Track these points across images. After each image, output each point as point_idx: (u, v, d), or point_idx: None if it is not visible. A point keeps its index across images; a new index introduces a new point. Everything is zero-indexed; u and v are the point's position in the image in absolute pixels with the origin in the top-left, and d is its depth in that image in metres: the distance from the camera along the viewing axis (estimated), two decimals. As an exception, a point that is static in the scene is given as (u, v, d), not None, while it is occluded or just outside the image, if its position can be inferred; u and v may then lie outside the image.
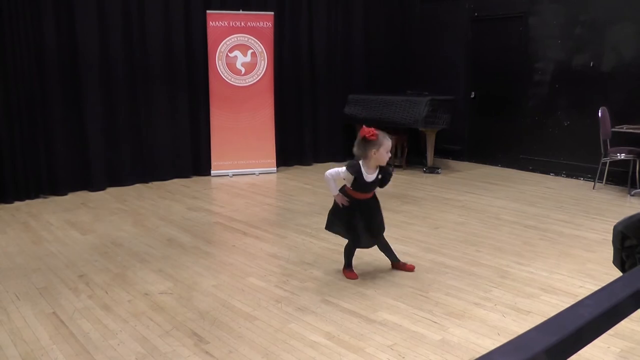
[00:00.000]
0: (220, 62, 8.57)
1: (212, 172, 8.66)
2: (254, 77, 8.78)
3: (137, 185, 7.95)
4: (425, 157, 9.13)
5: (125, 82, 7.86)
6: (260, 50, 8.75)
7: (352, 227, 4.38)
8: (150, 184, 8.04)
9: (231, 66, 8.64)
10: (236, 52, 8.67)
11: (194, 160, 8.64)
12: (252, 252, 5.14)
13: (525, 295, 4.09)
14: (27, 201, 7.11)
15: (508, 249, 5.17)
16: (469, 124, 9.87)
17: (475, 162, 9.78)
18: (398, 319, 3.71)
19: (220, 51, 8.56)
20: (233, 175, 8.68)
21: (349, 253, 4.54)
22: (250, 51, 8.72)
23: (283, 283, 4.37)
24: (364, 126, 4.33)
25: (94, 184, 7.65)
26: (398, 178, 8.38)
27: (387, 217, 6.16)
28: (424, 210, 6.57)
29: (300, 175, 8.80)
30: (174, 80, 8.30)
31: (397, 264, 4.62)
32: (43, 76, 7.18)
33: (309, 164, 9.63)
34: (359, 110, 9.50)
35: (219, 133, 8.65)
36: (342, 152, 9.77)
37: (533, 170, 8.96)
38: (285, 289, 4.25)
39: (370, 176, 4.27)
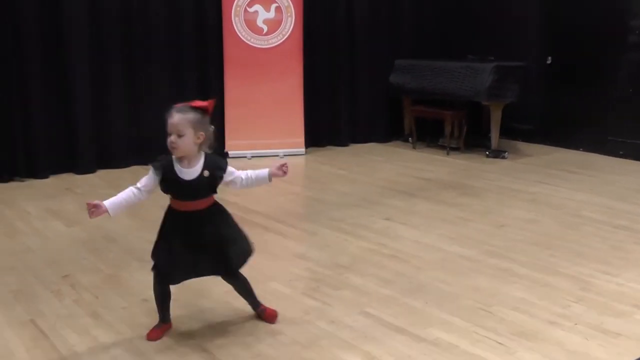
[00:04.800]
0: (237, 18, 8.56)
1: (226, 153, 8.68)
2: (279, 38, 8.76)
3: (134, 168, 7.96)
4: (489, 138, 9.04)
5: (120, 43, 7.89)
6: (286, 4, 8.72)
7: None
8: (149, 166, 8.04)
9: (251, 24, 8.63)
10: (257, 7, 8.66)
11: (203, 138, 8.62)
12: (274, 252, 5.14)
13: (613, 313, 4.02)
14: (-1, 185, 7.22)
15: (591, 254, 5.09)
16: (543, 97, 9.73)
17: (550, 144, 9.64)
18: (454, 338, 3.67)
19: (237, 5, 8.55)
20: (252, 157, 8.69)
21: (158, 297, 3.84)
22: (274, 5, 8.71)
23: (312, 290, 4.36)
24: None
25: (81, 166, 7.71)
26: (454, 163, 8.32)
27: (440, 210, 6.23)
28: (485, 204, 6.51)
29: (334, 159, 8.78)
30: (180, 42, 8.32)
31: (258, 310, 3.98)
32: (19, 35, 7.25)
33: (345, 145, 9.59)
34: (407, 79, 9.42)
35: (234, 106, 8.66)
36: (385, 131, 9.72)
37: (624, 156, 8.81)
38: (316, 297, 4.24)
39: (186, 170, 3.59)
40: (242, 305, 4.11)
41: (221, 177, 3.66)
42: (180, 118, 3.48)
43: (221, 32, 8.58)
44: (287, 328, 3.79)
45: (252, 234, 5.49)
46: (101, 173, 7.75)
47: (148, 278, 4.24)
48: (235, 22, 8.56)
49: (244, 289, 3.91)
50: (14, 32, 7.22)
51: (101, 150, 7.85)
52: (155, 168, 3.62)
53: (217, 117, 8.57)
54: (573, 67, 9.37)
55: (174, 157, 3.58)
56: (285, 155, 8.75)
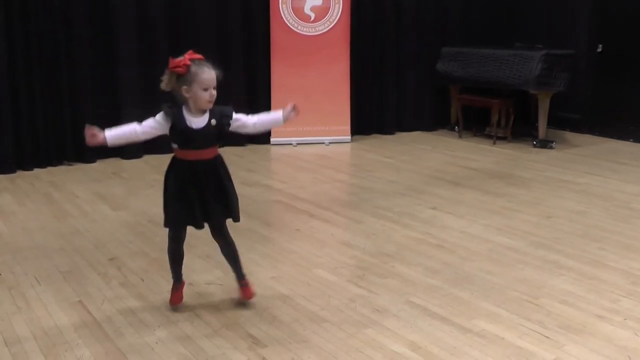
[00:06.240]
0: (284, 5, 8.54)
1: (271, 139, 8.69)
2: (326, 25, 8.72)
3: (180, 153, 8.03)
4: (536, 128, 8.91)
5: (167, 30, 7.94)
6: (334, -10, 8.70)
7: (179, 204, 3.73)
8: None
9: (298, 11, 8.60)
10: (305, -6, 8.66)
11: (249, 124, 8.65)
12: (320, 239, 5.14)
13: (665, 309, 3.94)
14: (49, 168, 7.32)
15: (642, 247, 5.01)
16: (592, 86, 9.57)
17: (599, 135, 9.48)
18: (500, 330, 3.64)
19: (285, -9, 8.56)
20: (297, 144, 8.69)
21: (173, 257, 3.92)
22: (322, -8, 8.69)
23: (358, 278, 4.34)
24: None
25: (128, 151, 7.75)
26: (501, 153, 8.23)
27: (487, 201, 6.16)
28: (533, 195, 6.42)
29: (379, 147, 8.73)
30: (227, 29, 8.33)
31: (240, 282, 3.96)
32: (69, 19, 7.33)
33: (391, 133, 9.52)
34: (454, 67, 9.34)
35: (280, 93, 8.64)
36: (432, 119, 9.64)
37: (676, 148, 8.67)
38: (361, 285, 4.23)
39: (196, 120, 3.64)
40: (287, 291, 4.12)
41: (228, 124, 3.73)
42: (215, 74, 3.68)
43: (268, 19, 8.58)
44: (333, 315, 3.78)
45: (298, 221, 5.56)
46: (147, 158, 7.82)
47: (194, 262, 4.30)
48: (283, 9, 8.55)
49: (231, 252, 3.93)
50: (65, 18, 7.30)
51: (148, 135, 7.91)
52: (167, 114, 3.67)
53: (263, 104, 8.61)
54: (624, 56, 9.19)
55: (183, 107, 3.66)
56: (330, 143, 8.74)
